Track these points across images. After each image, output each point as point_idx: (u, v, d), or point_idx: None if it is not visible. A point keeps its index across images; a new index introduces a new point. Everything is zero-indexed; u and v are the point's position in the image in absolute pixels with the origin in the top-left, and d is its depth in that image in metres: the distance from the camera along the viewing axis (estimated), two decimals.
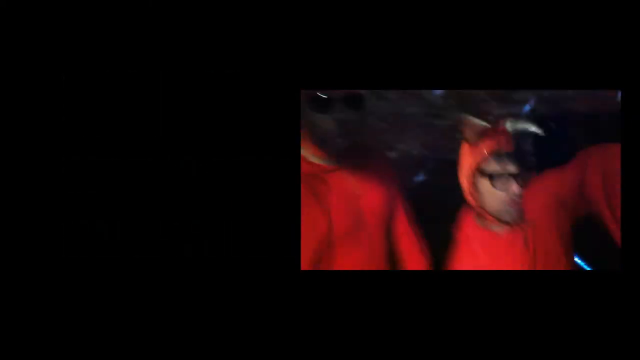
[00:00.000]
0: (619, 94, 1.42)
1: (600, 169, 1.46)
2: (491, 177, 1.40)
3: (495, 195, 1.42)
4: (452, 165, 1.52)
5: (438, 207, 1.67)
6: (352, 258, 1.40)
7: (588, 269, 1.89)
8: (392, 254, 1.55)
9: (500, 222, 1.50)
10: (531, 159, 1.43)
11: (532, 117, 1.66)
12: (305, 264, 1.40)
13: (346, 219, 1.34)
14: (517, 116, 1.52)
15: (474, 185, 1.42)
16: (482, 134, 1.42)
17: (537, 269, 1.51)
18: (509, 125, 1.44)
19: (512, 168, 1.38)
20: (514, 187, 1.41)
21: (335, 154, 1.28)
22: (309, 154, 1.34)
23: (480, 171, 1.40)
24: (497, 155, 1.40)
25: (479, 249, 1.55)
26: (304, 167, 1.34)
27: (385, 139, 1.96)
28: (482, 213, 1.49)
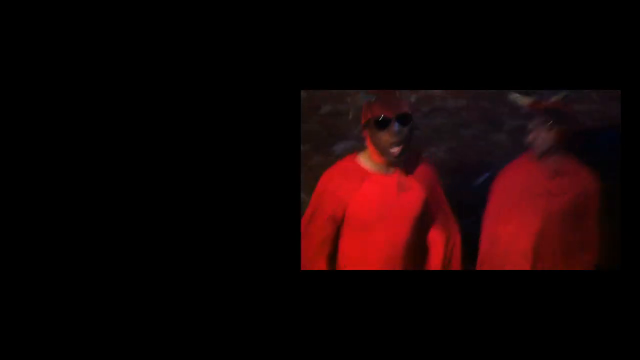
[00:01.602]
0: None
1: None
2: None
3: None
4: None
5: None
6: (371, 243, 1.66)
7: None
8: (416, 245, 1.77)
9: None
10: None
11: None
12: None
13: (373, 212, 1.65)
14: None
15: None
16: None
17: None
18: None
19: None
20: None
21: (390, 161, 1.64)
22: (370, 162, 1.67)
23: None
24: None
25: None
26: (362, 173, 1.67)
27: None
28: None
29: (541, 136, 1.71)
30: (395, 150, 1.57)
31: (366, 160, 1.67)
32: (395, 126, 1.54)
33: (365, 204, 1.64)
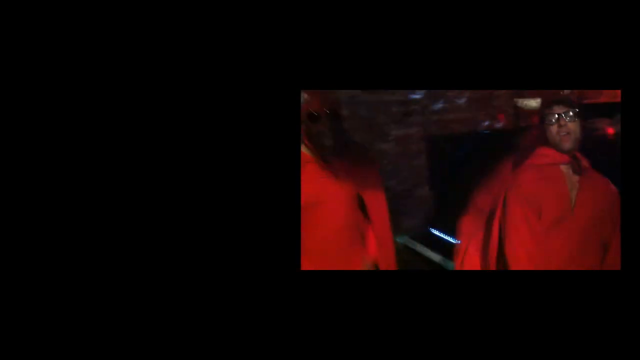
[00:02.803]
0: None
1: None
2: None
3: None
4: None
5: None
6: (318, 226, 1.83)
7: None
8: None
9: None
10: None
11: None
12: None
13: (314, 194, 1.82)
14: None
15: None
16: None
17: None
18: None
19: None
20: None
21: (326, 153, 1.85)
22: (308, 152, 1.88)
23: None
24: None
25: None
26: (306, 158, 1.85)
27: None
28: None
29: (568, 128, 1.69)
30: (328, 139, 1.77)
31: (308, 151, 1.87)
32: (326, 120, 1.76)
33: (304, 188, 1.78)
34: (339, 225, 1.87)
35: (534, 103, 1.76)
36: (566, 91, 1.73)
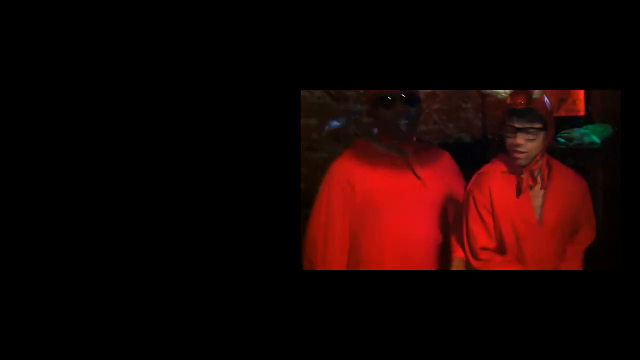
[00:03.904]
0: None
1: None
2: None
3: None
4: None
5: None
6: (398, 219, 1.62)
7: None
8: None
9: None
10: None
11: None
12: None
13: (389, 196, 1.62)
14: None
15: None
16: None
17: None
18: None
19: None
20: None
21: (400, 141, 1.61)
22: (380, 144, 1.66)
23: None
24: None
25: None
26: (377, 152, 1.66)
27: None
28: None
29: (525, 147, 1.52)
30: (403, 124, 1.53)
31: (376, 143, 1.65)
32: (401, 105, 1.53)
33: (380, 186, 1.61)
34: (423, 234, 1.62)
35: (503, 94, 1.51)
36: (535, 94, 1.50)
